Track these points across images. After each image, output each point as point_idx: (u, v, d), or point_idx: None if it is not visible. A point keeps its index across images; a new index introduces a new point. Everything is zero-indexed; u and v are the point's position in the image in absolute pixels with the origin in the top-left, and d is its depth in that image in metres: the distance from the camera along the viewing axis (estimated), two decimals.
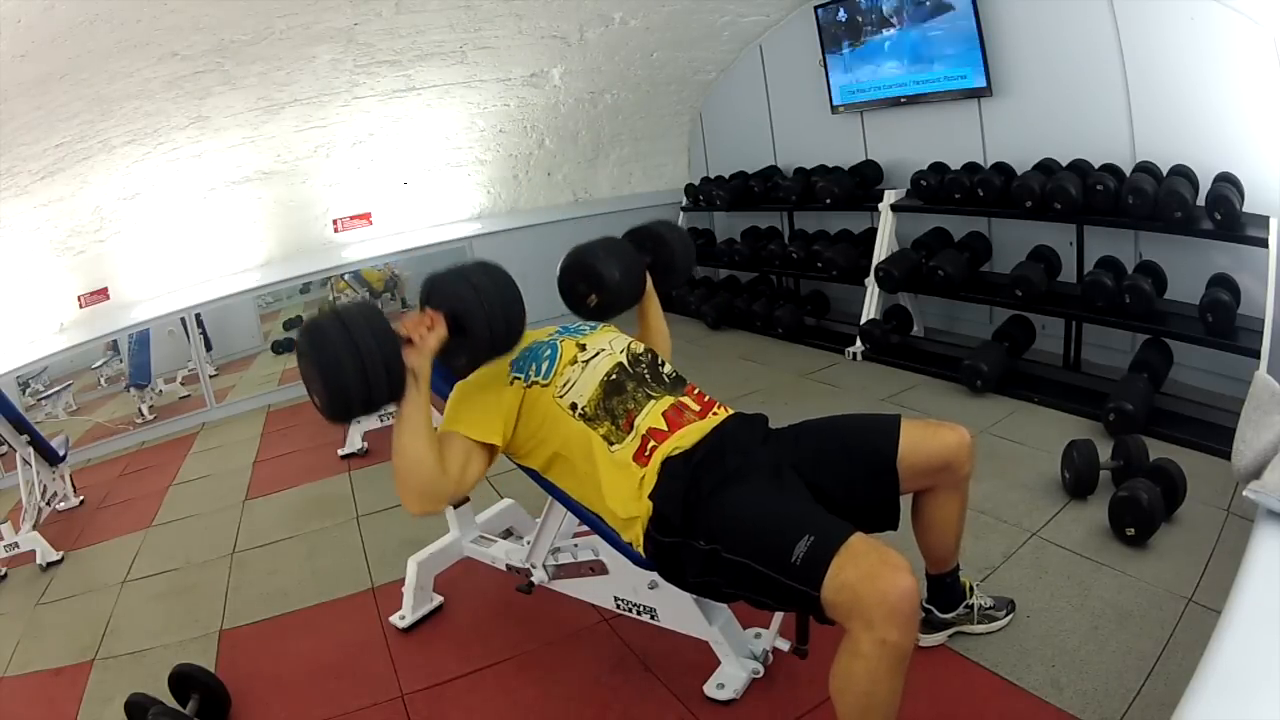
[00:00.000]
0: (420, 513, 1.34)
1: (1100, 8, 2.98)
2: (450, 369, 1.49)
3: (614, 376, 1.45)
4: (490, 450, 1.43)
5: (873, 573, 1.05)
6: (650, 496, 1.33)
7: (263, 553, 2.65)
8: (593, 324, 1.64)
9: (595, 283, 1.66)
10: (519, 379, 1.47)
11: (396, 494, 1.32)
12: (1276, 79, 2.55)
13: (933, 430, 1.42)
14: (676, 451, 1.36)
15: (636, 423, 1.39)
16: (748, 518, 1.24)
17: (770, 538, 1.17)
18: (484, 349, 1.39)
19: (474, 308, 1.35)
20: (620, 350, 1.51)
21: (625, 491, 1.36)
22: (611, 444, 1.38)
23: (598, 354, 1.48)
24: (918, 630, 1.07)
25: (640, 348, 1.55)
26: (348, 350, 1.21)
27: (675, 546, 1.30)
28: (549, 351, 1.50)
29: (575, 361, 1.47)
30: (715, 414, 1.48)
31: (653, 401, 1.43)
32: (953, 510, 1.51)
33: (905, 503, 1.44)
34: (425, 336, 1.30)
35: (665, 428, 1.40)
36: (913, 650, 1.07)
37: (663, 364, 1.55)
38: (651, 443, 1.37)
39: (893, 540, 1.38)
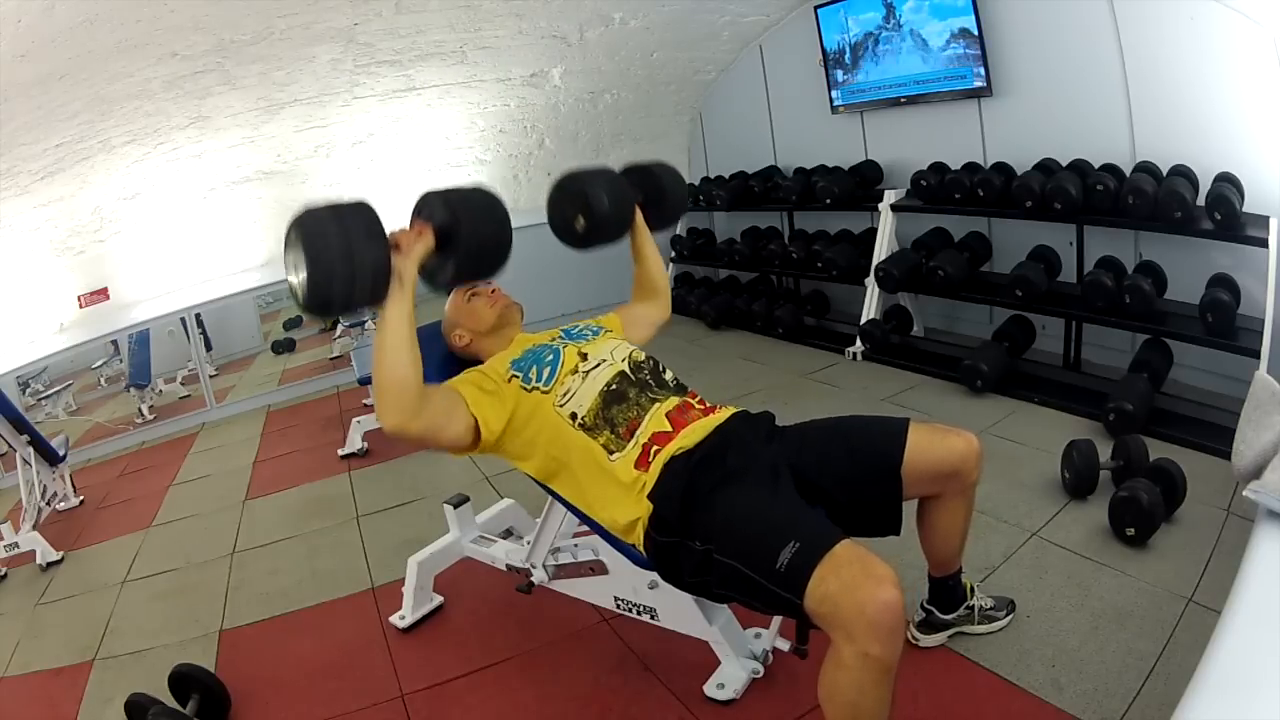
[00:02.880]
0: (390, 427, 1.28)
1: (1100, 8, 2.98)
2: (432, 285, 1.45)
3: (615, 386, 1.44)
4: (476, 434, 1.41)
5: (854, 584, 1.03)
6: (650, 496, 1.33)
7: (263, 553, 2.65)
8: (594, 329, 1.64)
9: (584, 208, 1.67)
10: (517, 377, 1.47)
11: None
12: (1276, 79, 2.55)
13: (941, 436, 1.40)
14: (680, 451, 1.36)
15: (638, 431, 1.38)
16: (740, 520, 1.23)
17: (758, 542, 1.16)
18: (468, 267, 1.40)
19: (462, 224, 1.35)
20: (622, 359, 1.50)
21: (624, 500, 1.36)
22: (611, 453, 1.37)
23: (599, 364, 1.48)
24: (902, 641, 1.05)
25: (642, 355, 1.55)
26: (339, 238, 1.18)
27: (673, 546, 1.30)
28: (551, 357, 1.50)
29: (576, 371, 1.46)
30: (721, 410, 1.48)
31: (656, 404, 1.42)
32: (958, 517, 1.50)
33: (909, 507, 1.43)
34: (413, 243, 1.32)
35: (669, 428, 1.39)
36: (898, 661, 1.05)
37: (664, 370, 1.55)
38: (655, 447, 1.36)
39: (894, 541, 1.38)
